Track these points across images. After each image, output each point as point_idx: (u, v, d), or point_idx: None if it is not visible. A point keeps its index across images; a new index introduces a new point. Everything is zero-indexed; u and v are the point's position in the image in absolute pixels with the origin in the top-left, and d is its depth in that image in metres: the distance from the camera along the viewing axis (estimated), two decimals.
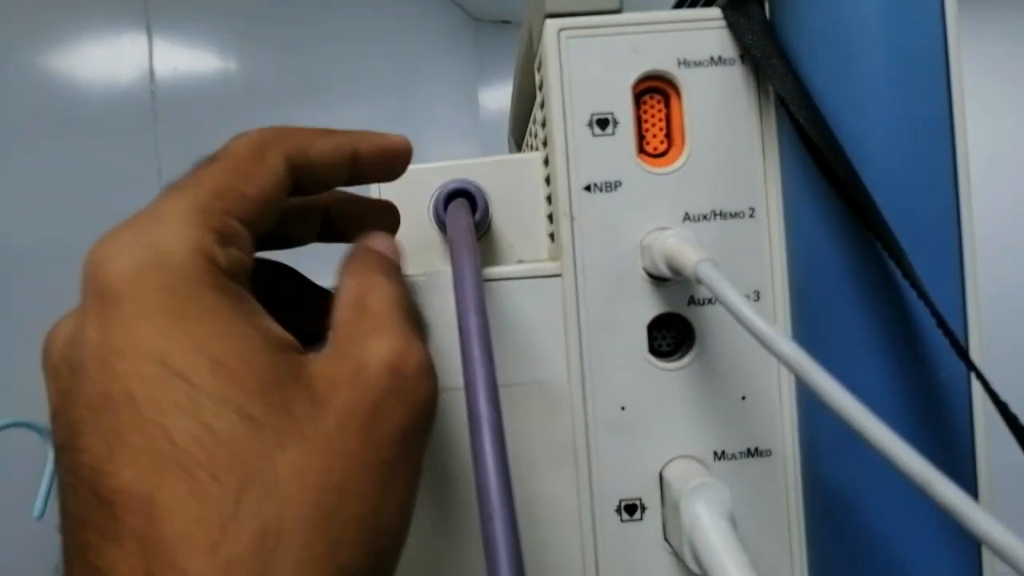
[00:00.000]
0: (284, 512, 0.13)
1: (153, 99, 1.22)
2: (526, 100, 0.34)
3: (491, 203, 0.27)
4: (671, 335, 0.24)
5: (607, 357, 0.23)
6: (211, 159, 0.18)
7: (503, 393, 0.24)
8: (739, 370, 0.23)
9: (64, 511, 0.14)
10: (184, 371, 0.14)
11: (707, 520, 0.20)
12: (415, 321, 0.18)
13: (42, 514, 0.33)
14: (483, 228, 0.25)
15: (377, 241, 0.21)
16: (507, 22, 1.84)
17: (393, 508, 0.15)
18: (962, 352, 0.19)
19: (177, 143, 1.23)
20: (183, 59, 1.30)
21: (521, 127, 0.40)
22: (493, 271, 0.24)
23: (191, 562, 0.12)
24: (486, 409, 0.17)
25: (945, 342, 0.19)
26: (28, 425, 0.35)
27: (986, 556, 0.21)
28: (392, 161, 0.21)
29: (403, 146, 0.21)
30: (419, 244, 0.28)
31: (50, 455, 0.33)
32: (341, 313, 0.17)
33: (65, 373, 0.15)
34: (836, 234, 0.21)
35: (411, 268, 0.24)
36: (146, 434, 0.13)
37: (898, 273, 0.20)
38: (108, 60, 1.19)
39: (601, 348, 0.23)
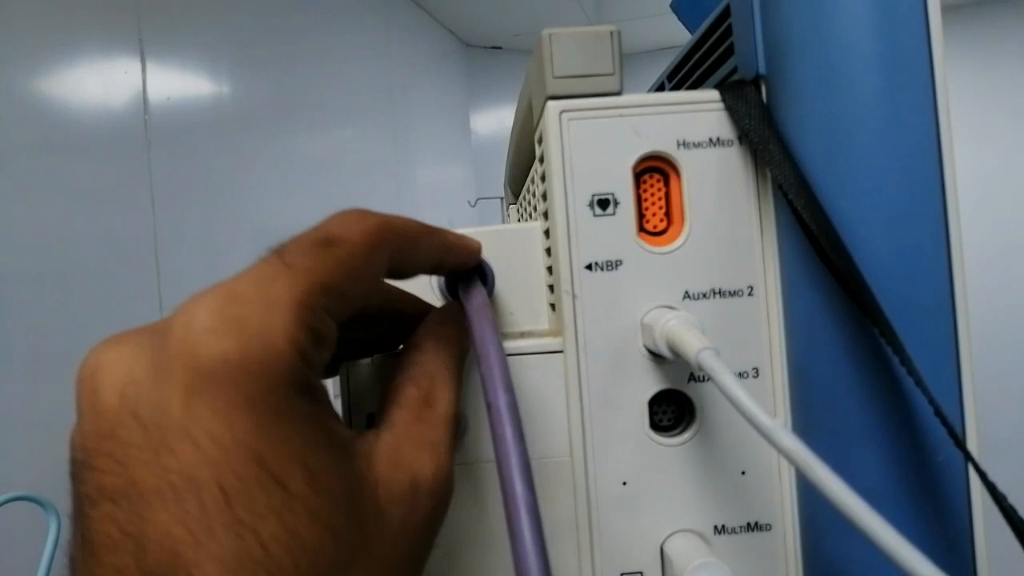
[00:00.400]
0: None
1: (146, 126, 1.23)
2: (524, 159, 0.34)
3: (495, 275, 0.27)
4: (671, 410, 0.24)
5: (609, 433, 0.24)
6: (327, 241, 0.17)
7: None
8: (739, 445, 0.24)
9: (100, 572, 0.13)
10: (282, 477, 0.14)
11: None
12: (459, 427, 0.20)
13: None
14: (492, 296, 0.26)
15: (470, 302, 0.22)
16: (498, 47, 1.86)
17: None
18: (959, 442, 0.19)
19: (170, 170, 1.23)
20: (177, 86, 1.30)
21: (518, 179, 0.41)
22: None
23: None
24: (521, 488, 0.17)
25: (942, 428, 0.20)
26: (31, 499, 0.35)
27: None
28: (462, 267, 0.23)
29: (476, 253, 0.23)
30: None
31: (52, 528, 0.33)
32: (411, 394, 0.19)
33: (127, 423, 0.14)
34: (833, 316, 0.22)
35: None
36: (237, 534, 0.13)
37: (895, 359, 0.21)
38: (102, 87, 1.19)
39: (603, 424, 0.24)
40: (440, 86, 1.76)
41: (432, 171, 1.69)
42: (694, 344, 0.21)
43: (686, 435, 0.24)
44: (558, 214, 0.24)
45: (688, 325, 0.22)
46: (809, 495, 0.23)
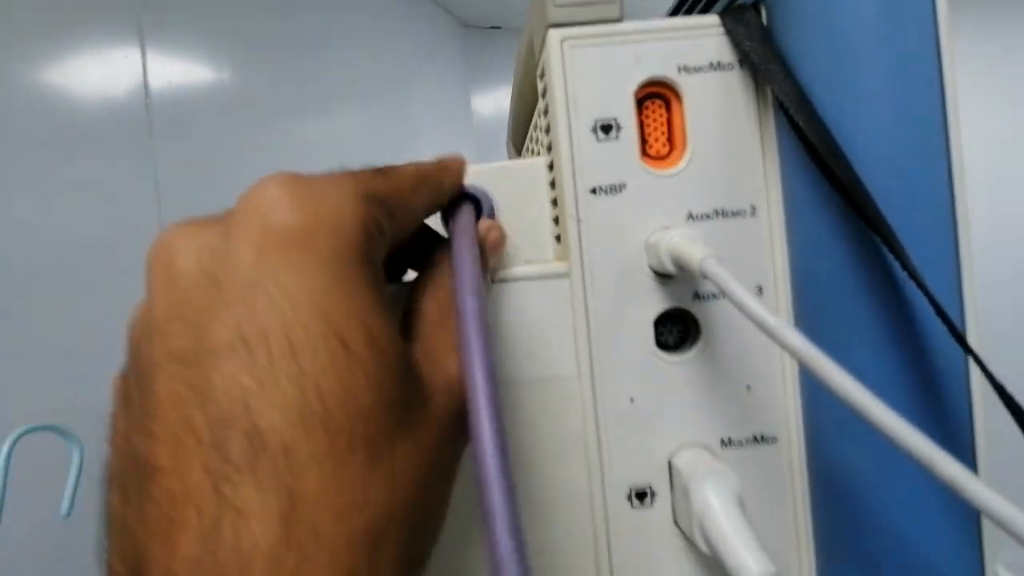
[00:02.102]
0: (395, 500, 0.14)
1: (148, 112, 1.23)
2: (527, 106, 0.35)
3: (497, 208, 0.28)
4: (677, 329, 0.25)
5: (615, 352, 0.24)
6: (381, 170, 0.18)
7: (516, 389, 0.24)
8: (743, 361, 0.24)
9: (158, 426, 0.13)
10: (345, 336, 0.14)
11: (717, 505, 0.21)
12: None
13: (69, 512, 0.34)
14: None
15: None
16: (497, 27, 1.85)
17: (445, 511, 0.17)
18: (960, 337, 0.20)
19: (173, 155, 1.24)
20: (177, 72, 1.30)
21: (521, 133, 0.41)
22: (504, 273, 0.25)
23: (325, 524, 0.13)
24: (483, 381, 0.17)
25: (943, 329, 0.20)
26: (55, 429, 0.35)
27: (986, 530, 0.22)
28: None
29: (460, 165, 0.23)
30: None
31: (75, 457, 0.34)
32: (431, 307, 0.19)
33: (202, 283, 0.14)
34: (836, 230, 0.22)
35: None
36: (300, 386, 0.13)
37: (896, 265, 0.21)
38: (102, 74, 1.20)
39: (609, 344, 0.24)
40: (440, 68, 1.76)
41: (435, 152, 1.68)
42: (697, 253, 0.21)
43: (691, 352, 0.24)
44: (562, 140, 0.24)
45: (691, 239, 0.22)
46: (813, 407, 0.24)
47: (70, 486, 0.34)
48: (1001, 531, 0.17)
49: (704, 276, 0.21)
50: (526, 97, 0.34)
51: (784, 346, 0.19)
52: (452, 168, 0.22)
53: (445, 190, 0.22)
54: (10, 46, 1.12)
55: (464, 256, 0.21)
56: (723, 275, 0.20)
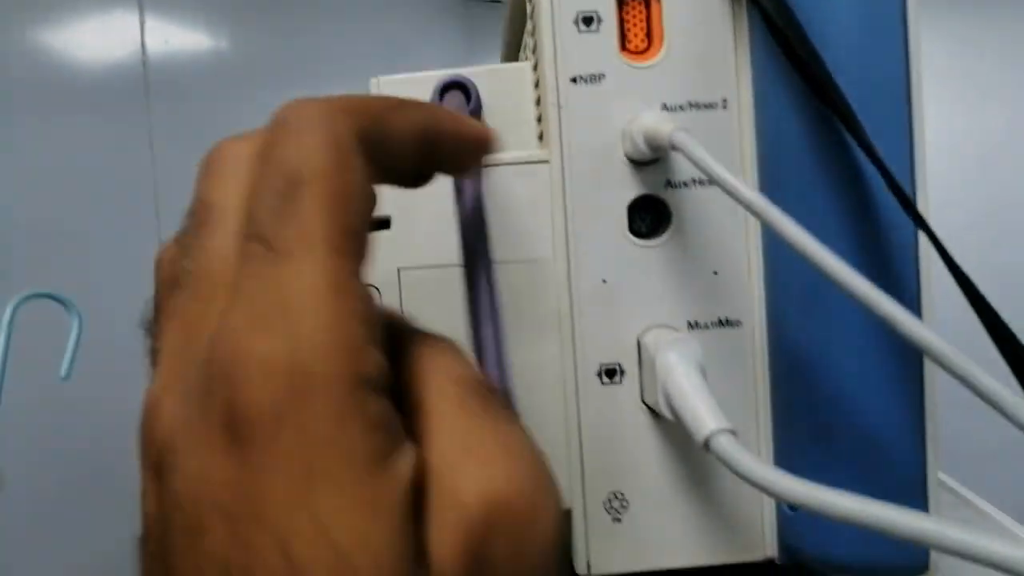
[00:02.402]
0: None
1: (145, 72, 1.23)
2: (517, 24, 0.36)
3: (484, 107, 0.29)
4: (650, 217, 0.26)
5: (590, 235, 0.26)
6: (295, 183, 0.13)
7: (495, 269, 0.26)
8: (711, 247, 0.26)
9: None
10: (305, 567, 0.11)
11: (679, 368, 0.23)
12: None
13: (68, 375, 0.35)
14: (475, 113, 0.27)
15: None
16: (498, 1, 1.86)
17: None
18: (909, 203, 0.21)
19: (169, 116, 1.24)
20: (174, 34, 1.30)
21: (511, 57, 0.42)
22: (487, 158, 0.26)
23: None
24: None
25: (895, 203, 0.22)
26: (52, 296, 0.37)
27: (928, 400, 0.23)
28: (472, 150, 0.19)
29: (483, 136, 0.19)
30: None
31: (74, 326, 0.35)
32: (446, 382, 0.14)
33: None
34: (799, 115, 0.24)
35: None
36: None
37: (856, 148, 0.22)
38: (100, 35, 1.20)
39: (585, 227, 0.26)
40: (440, 42, 1.77)
41: None
42: (667, 127, 0.22)
43: (662, 238, 0.26)
44: (545, 31, 0.25)
45: (663, 117, 0.23)
46: (775, 291, 0.25)
47: (69, 350, 0.35)
48: (944, 371, 0.18)
49: (673, 147, 0.22)
50: (516, 14, 0.35)
51: (746, 205, 0.20)
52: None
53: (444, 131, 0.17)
54: (6, 8, 1.12)
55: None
56: (691, 143, 0.21)
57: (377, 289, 0.26)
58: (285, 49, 1.47)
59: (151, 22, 1.27)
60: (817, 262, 0.19)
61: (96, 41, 1.16)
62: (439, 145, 0.17)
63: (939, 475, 0.39)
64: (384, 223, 0.26)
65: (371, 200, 0.15)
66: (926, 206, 0.23)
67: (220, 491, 0.11)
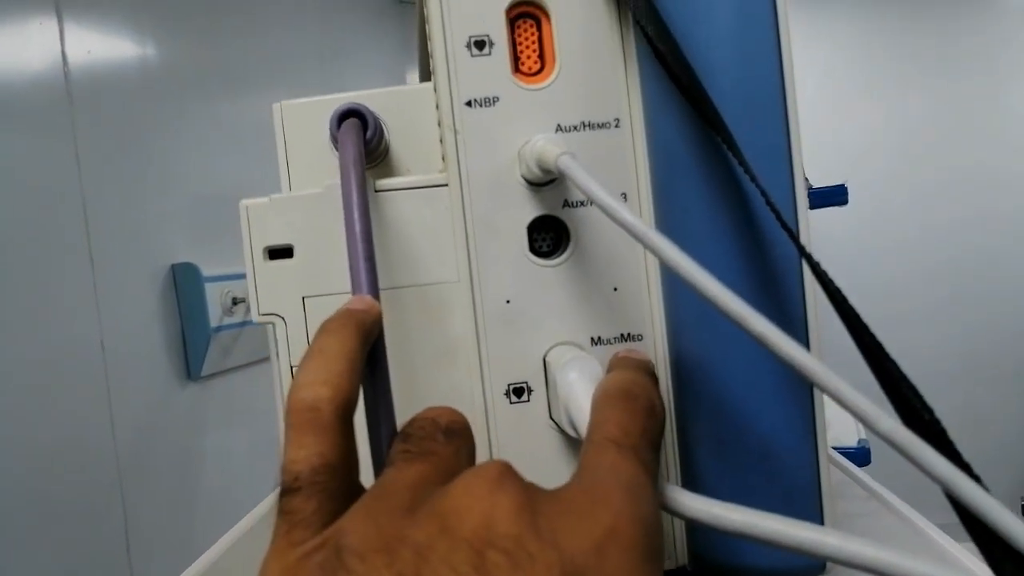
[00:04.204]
0: None
1: (67, 84, 1.19)
2: (424, 45, 0.36)
3: (388, 131, 0.29)
4: (550, 237, 0.27)
5: (492, 257, 0.26)
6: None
7: (403, 295, 0.26)
8: (610, 264, 0.26)
9: None
10: None
11: (579, 387, 0.23)
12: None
13: None
14: (374, 144, 0.27)
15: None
16: None
17: None
18: (788, 229, 0.22)
19: (95, 128, 1.20)
20: (97, 43, 1.26)
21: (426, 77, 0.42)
22: (385, 182, 0.26)
23: None
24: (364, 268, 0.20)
25: (778, 225, 0.22)
26: None
27: (818, 413, 0.24)
28: None
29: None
30: (323, 170, 0.29)
31: None
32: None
33: None
34: (685, 133, 0.24)
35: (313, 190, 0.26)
36: None
37: (739, 169, 0.23)
38: (17, 44, 1.15)
39: (486, 249, 0.26)
40: (375, 45, 1.75)
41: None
42: (554, 151, 0.23)
43: (562, 257, 0.26)
44: (439, 56, 0.26)
45: (553, 141, 0.24)
46: (673, 306, 0.26)
47: None
48: (832, 400, 0.19)
49: (560, 172, 0.22)
50: (423, 41, 0.35)
51: (623, 225, 0.21)
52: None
53: None
54: None
55: (350, 173, 0.22)
56: (574, 168, 0.22)
57: (282, 318, 0.26)
58: (216, 56, 1.44)
59: (71, 31, 1.23)
60: (689, 280, 0.20)
61: (12, 52, 1.12)
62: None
63: (861, 473, 0.40)
64: (287, 251, 0.26)
65: None
66: (807, 227, 0.24)
67: None
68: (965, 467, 0.17)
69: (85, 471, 0.86)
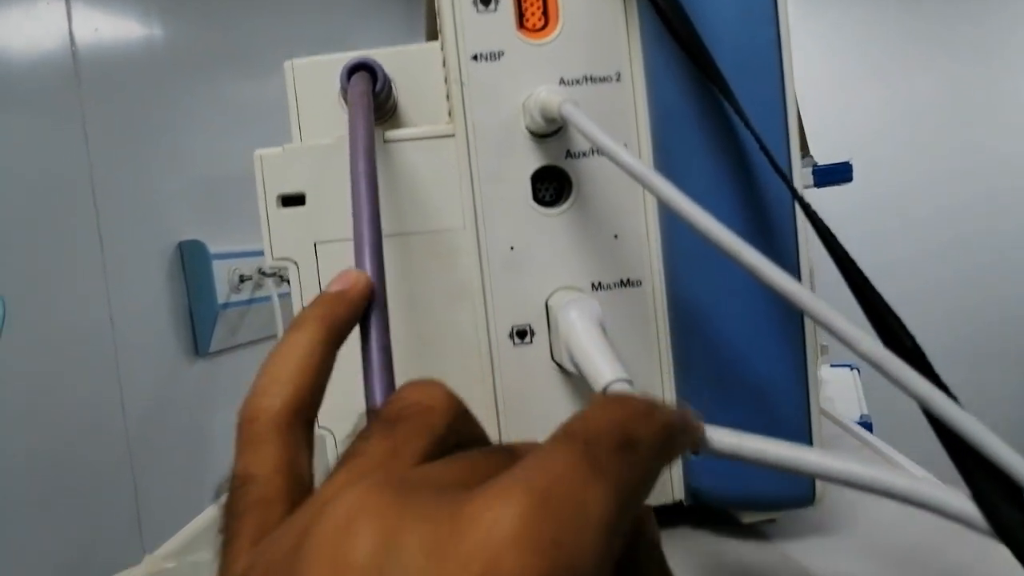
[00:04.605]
0: None
1: (75, 63, 1.20)
2: (432, 7, 0.37)
3: (396, 89, 0.30)
4: (553, 187, 0.28)
5: (497, 205, 0.27)
6: (628, 443, 0.14)
7: (410, 241, 0.27)
8: (611, 212, 0.27)
9: None
10: None
11: (579, 324, 0.24)
12: None
13: None
14: (383, 97, 0.28)
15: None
16: None
17: None
18: (780, 172, 0.23)
19: (103, 107, 1.21)
20: (104, 21, 1.27)
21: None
22: (393, 133, 0.27)
23: None
24: (369, 234, 0.20)
25: (772, 171, 0.23)
26: None
27: (809, 346, 0.26)
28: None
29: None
30: (333, 127, 0.30)
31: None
32: None
33: None
34: (684, 87, 0.25)
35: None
36: None
37: (736, 119, 0.24)
38: (25, 23, 1.16)
39: (491, 198, 0.27)
40: (380, 28, 1.75)
41: None
42: (556, 99, 0.24)
43: (565, 206, 0.27)
44: (446, 12, 0.27)
45: (555, 91, 0.25)
46: (672, 252, 0.27)
47: None
48: (823, 330, 0.20)
49: (562, 119, 0.23)
50: (431, 4, 0.36)
51: (625, 168, 0.22)
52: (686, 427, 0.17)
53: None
54: None
55: (359, 122, 0.23)
56: (577, 114, 0.23)
57: (295, 262, 0.27)
58: (222, 37, 1.44)
59: (78, 9, 1.23)
60: (687, 218, 0.21)
61: (21, 33, 1.13)
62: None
63: (855, 425, 0.41)
64: (299, 199, 0.27)
65: None
66: (799, 172, 0.25)
67: None
68: (942, 386, 0.18)
69: (96, 447, 0.87)
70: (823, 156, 1.05)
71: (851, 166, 0.97)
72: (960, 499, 0.18)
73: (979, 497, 0.18)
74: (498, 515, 0.12)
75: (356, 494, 0.12)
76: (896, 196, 1.94)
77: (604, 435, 0.14)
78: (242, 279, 1.12)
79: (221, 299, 1.08)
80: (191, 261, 1.09)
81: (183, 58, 1.37)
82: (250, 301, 1.11)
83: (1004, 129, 1.94)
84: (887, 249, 1.93)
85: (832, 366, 1.20)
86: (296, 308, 0.27)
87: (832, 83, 1.88)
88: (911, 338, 0.20)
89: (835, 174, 0.97)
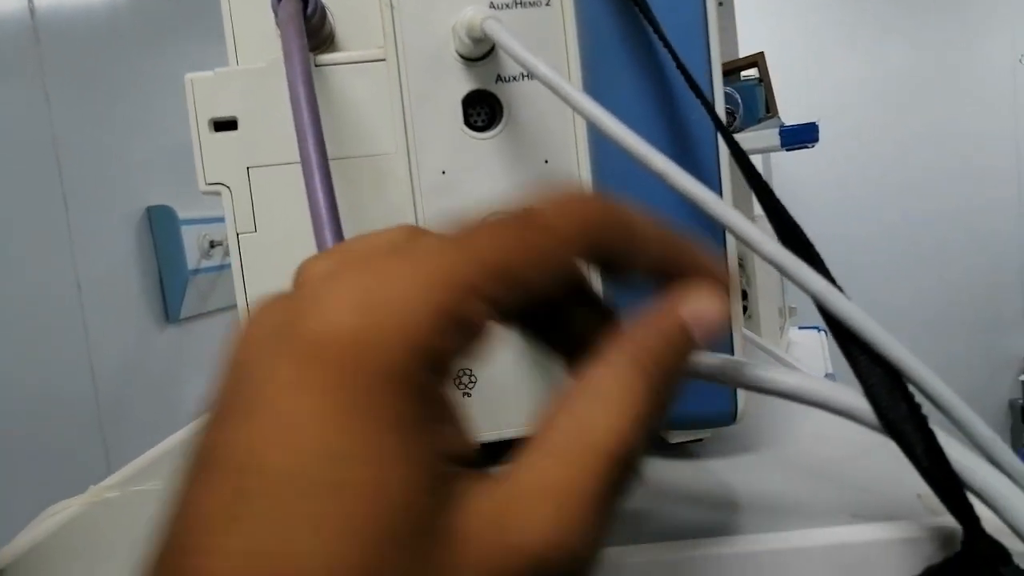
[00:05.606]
0: None
1: (34, 23, 1.17)
2: None
3: (333, 18, 0.30)
4: (484, 112, 0.28)
5: (428, 129, 0.27)
6: (527, 222, 0.15)
7: (343, 166, 0.27)
8: (542, 137, 0.28)
9: None
10: (341, 482, 0.12)
11: None
12: (624, 479, 0.14)
13: None
14: (316, 22, 0.28)
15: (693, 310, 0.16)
16: None
17: None
18: (701, 95, 0.24)
19: (64, 68, 1.19)
20: None
21: None
22: (325, 57, 0.27)
23: None
24: (316, 157, 0.21)
25: (696, 98, 0.24)
26: None
27: (731, 256, 0.26)
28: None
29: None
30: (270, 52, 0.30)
31: None
32: (550, 434, 0.14)
33: (232, 377, 0.13)
34: (612, 13, 0.26)
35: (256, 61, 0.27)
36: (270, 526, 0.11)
37: (660, 45, 0.25)
38: None
39: (423, 122, 0.27)
40: None
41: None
42: (479, 16, 0.24)
43: (496, 130, 0.27)
44: None
45: (480, 10, 0.25)
46: (600, 176, 0.28)
47: None
48: (741, 242, 0.21)
49: (484, 34, 0.24)
50: None
51: (544, 81, 0.22)
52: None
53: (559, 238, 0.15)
54: None
55: (292, 44, 0.23)
56: (498, 29, 0.23)
57: (228, 187, 0.27)
58: (187, 8, 1.41)
59: None
60: (610, 134, 0.21)
61: None
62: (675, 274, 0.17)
63: (782, 352, 0.42)
64: (231, 123, 0.27)
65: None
66: (720, 94, 0.25)
67: None
68: (833, 281, 0.19)
69: (65, 414, 0.87)
70: (795, 120, 1.06)
71: (817, 127, 0.98)
72: (849, 394, 0.19)
73: (869, 392, 0.19)
74: (333, 288, 0.14)
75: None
76: (867, 163, 1.96)
77: (498, 212, 0.16)
78: (212, 244, 1.11)
79: (191, 265, 1.08)
80: (160, 226, 1.08)
81: (148, 17, 1.35)
82: (221, 267, 1.10)
83: (977, 97, 1.96)
84: (859, 219, 1.96)
85: (800, 328, 1.22)
86: (230, 235, 0.27)
87: (805, 48, 1.88)
88: (805, 238, 0.20)
89: (801, 134, 0.98)
